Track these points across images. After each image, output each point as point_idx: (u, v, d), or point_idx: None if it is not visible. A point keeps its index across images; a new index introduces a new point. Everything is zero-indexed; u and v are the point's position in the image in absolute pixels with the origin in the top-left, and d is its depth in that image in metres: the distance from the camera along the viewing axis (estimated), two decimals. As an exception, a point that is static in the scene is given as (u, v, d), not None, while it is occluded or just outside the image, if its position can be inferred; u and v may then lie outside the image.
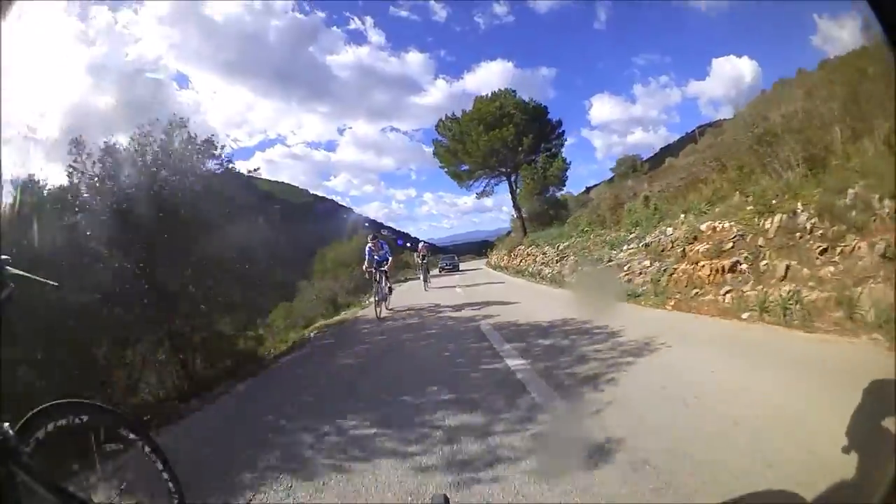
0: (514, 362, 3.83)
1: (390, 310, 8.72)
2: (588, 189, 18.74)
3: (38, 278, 1.52)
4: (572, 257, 10.65)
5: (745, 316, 4.35)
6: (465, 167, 19.45)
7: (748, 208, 5.64)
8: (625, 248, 8.58)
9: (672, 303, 5.67)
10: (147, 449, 1.39)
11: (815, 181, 5.09)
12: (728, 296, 4.94)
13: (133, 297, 4.59)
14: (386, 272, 8.87)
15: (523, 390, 3.09)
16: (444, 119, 19.64)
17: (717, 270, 5.45)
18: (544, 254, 12.81)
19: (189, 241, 5.09)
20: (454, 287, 12.00)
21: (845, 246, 3.98)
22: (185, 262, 5.17)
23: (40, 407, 1.15)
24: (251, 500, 2.04)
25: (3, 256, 1.03)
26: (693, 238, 6.41)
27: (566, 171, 18.51)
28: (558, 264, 11.12)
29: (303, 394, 3.97)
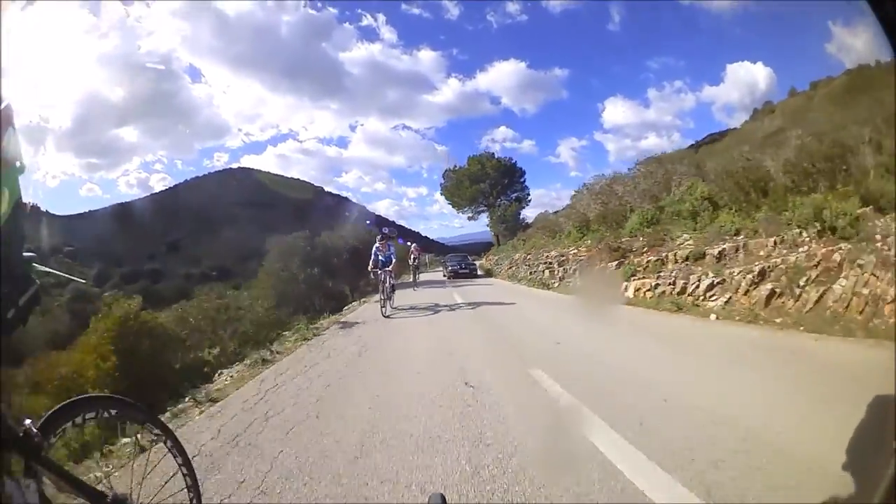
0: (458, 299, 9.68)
1: (394, 308, 8.81)
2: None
3: (64, 275, 1.64)
4: (507, 261, 18.13)
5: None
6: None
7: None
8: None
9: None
10: (168, 444, 1.41)
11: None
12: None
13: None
14: (391, 272, 8.98)
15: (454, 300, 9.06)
16: (448, 169, 31.34)
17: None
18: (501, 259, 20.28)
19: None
20: (444, 283, 15.10)
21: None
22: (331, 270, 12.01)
23: (67, 400, 1.16)
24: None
25: (30, 253, 1.02)
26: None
27: (519, 212, 29.08)
28: (507, 265, 17.73)
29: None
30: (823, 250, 5.39)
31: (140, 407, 1.42)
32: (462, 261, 19.30)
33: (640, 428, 2.36)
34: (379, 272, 8.96)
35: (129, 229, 69.27)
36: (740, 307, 5.41)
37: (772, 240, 6.06)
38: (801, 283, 5.19)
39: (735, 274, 5.72)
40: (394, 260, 9.20)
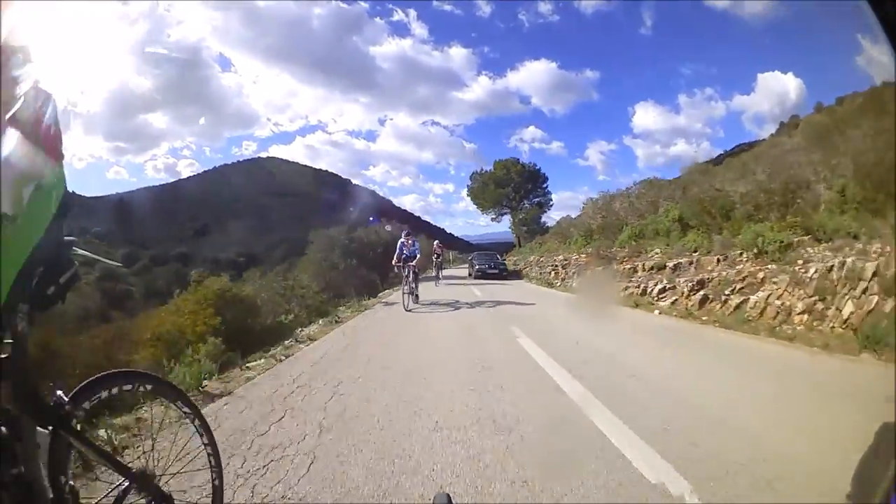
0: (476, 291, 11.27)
1: (417, 303, 9.01)
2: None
3: (102, 259, 1.64)
4: (523, 262, 20.19)
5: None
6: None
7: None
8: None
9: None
10: (196, 423, 1.44)
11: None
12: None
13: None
14: (414, 267, 9.11)
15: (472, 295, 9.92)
16: (475, 172, 33.87)
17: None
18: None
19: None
20: (464, 281, 16.01)
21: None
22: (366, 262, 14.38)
23: (98, 375, 1.18)
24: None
25: (70, 238, 1.06)
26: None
27: (540, 216, 31.18)
28: (523, 266, 19.61)
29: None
30: (752, 269, 7.22)
31: (171, 384, 1.47)
32: (490, 260, 18.14)
33: (578, 354, 4.32)
34: (403, 266, 9.15)
35: (156, 213, 71.75)
36: (681, 307, 7.27)
37: (717, 258, 7.90)
38: (727, 292, 7.05)
39: (682, 282, 7.58)
40: (418, 255, 9.35)
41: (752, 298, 6.69)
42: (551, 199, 32.29)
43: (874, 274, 4.98)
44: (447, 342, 5.31)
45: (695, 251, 8.61)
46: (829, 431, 2.41)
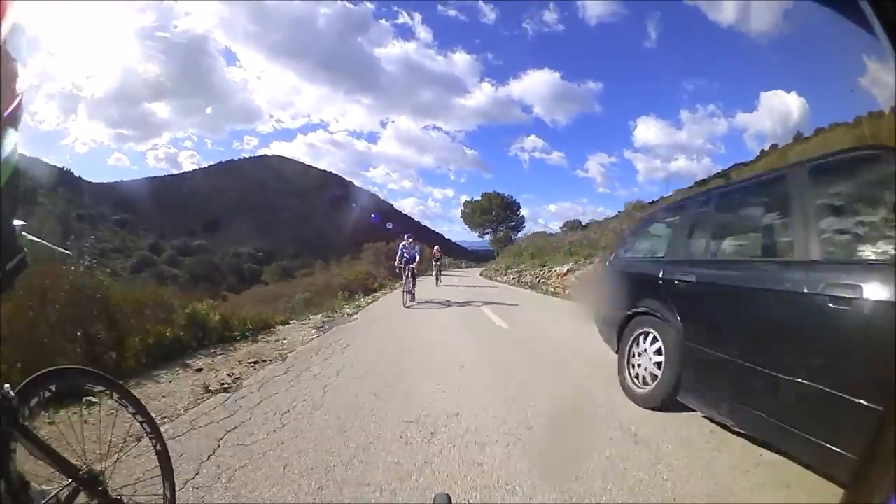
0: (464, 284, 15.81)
1: (414, 301, 10.20)
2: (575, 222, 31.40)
3: (51, 245, 1.62)
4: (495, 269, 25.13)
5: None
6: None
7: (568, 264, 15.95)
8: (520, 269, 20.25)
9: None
10: (139, 417, 1.45)
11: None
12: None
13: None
14: (414, 269, 10.07)
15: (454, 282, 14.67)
16: (468, 200, 44.37)
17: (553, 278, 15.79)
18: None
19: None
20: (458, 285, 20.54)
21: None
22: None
23: (44, 371, 1.17)
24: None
25: (20, 222, 1.00)
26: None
27: (511, 237, 40.06)
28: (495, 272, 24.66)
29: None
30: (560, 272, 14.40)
31: (119, 384, 1.45)
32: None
33: (500, 308, 11.24)
34: (404, 267, 10.10)
35: (164, 205, 75.22)
36: (565, 293, 14.35)
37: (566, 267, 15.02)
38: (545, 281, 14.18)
39: (543, 276, 14.70)
40: (417, 258, 10.26)
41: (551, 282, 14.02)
42: (524, 223, 42.66)
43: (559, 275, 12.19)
44: (445, 307, 12.07)
45: (543, 265, 16.10)
46: (554, 320, 9.34)
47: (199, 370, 4.59)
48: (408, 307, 9.50)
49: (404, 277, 10.18)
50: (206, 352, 5.40)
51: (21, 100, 0.86)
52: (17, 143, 0.85)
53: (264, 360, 4.99)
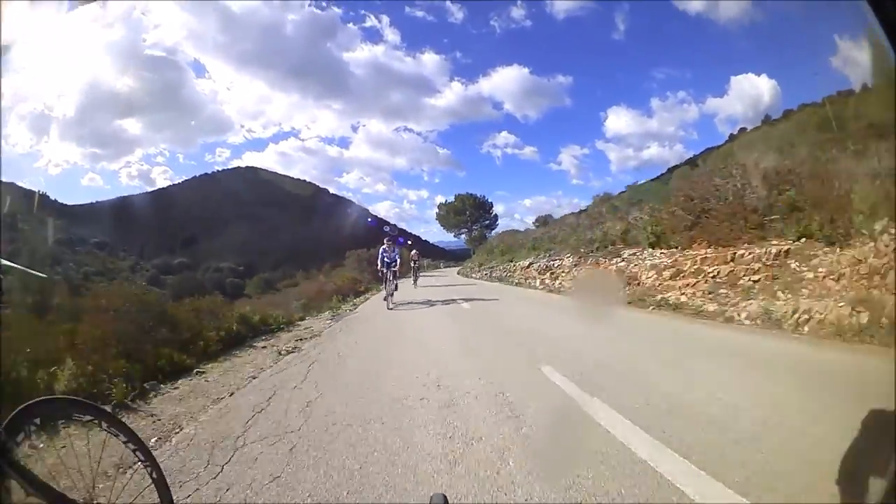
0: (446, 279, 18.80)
1: (394, 303, 10.69)
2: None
3: (26, 269, 1.58)
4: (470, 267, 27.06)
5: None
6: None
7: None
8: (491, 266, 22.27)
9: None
10: (132, 446, 1.40)
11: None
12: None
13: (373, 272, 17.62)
14: (395, 272, 10.53)
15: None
16: (443, 202, 42.95)
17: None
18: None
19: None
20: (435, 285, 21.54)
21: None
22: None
23: (30, 402, 1.13)
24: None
25: None
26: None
27: (485, 235, 39.24)
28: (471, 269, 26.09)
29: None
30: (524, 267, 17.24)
31: (108, 412, 1.43)
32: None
33: (474, 299, 13.87)
34: (386, 271, 10.46)
35: (139, 223, 75.40)
36: (527, 283, 17.10)
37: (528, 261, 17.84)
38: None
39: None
40: (398, 260, 10.62)
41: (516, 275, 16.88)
42: (497, 222, 44.95)
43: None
44: (431, 300, 14.58)
45: (511, 261, 19.02)
46: (497, 300, 12.03)
47: (264, 347, 6.98)
48: (391, 309, 10.26)
49: (386, 281, 10.73)
50: (259, 339, 7.76)
51: None
52: None
53: (305, 338, 7.45)
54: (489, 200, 45.69)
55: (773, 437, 2.48)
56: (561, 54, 39.67)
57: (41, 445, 1.43)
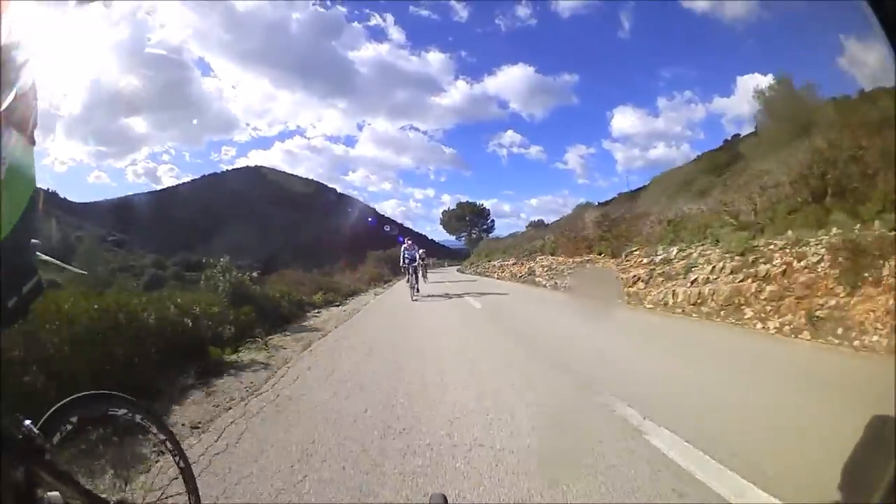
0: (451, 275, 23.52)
1: (418, 294, 11.82)
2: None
3: (66, 266, 1.55)
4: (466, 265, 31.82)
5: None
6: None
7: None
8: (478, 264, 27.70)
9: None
10: (169, 445, 1.44)
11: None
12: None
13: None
14: (416, 267, 11.75)
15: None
16: (446, 209, 47.72)
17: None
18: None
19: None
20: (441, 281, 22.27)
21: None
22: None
23: (66, 399, 1.13)
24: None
25: (35, 241, 0.93)
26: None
27: (481, 239, 44.07)
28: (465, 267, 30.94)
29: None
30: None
31: (147, 408, 1.42)
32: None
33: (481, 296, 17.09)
34: (407, 266, 11.68)
35: (151, 221, 76.02)
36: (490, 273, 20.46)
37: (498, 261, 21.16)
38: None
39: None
40: (417, 258, 11.73)
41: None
42: (494, 227, 46.70)
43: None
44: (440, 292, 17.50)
45: (489, 260, 23.97)
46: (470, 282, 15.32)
47: (326, 317, 10.24)
48: (415, 300, 11.34)
49: (408, 276, 12.13)
50: (319, 310, 10.93)
51: (37, 114, 0.88)
52: (33, 159, 0.87)
53: (381, 292, 12.77)
54: (487, 208, 48.15)
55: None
56: (567, 53, 39.99)
57: (82, 446, 1.50)
